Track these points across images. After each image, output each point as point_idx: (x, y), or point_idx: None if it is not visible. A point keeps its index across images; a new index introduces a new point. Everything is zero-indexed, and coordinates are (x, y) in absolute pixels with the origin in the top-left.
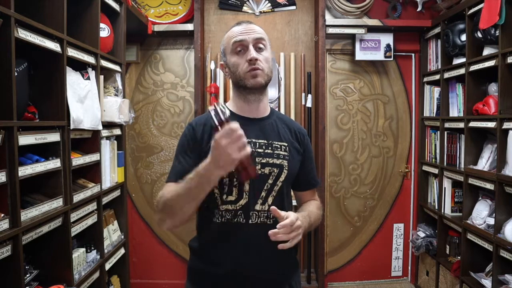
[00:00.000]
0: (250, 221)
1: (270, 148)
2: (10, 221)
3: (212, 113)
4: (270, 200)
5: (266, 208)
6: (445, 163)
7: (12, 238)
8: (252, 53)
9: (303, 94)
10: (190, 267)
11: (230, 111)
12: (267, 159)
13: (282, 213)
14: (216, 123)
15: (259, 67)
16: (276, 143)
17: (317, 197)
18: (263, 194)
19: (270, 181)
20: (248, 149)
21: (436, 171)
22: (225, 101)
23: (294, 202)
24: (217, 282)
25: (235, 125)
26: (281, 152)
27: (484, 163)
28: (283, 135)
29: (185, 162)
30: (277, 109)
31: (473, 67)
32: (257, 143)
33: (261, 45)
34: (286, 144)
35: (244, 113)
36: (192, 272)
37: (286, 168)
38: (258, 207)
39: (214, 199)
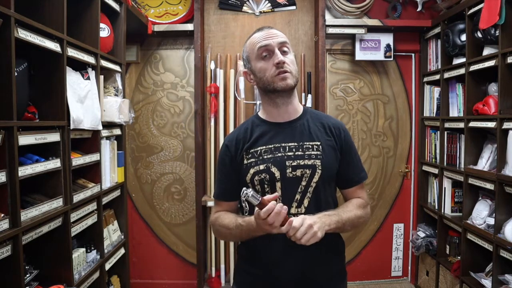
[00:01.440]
0: None
1: (301, 149)
2: (10, 221)
3: (250, 196)
4: (306, 202)
5: (303, 211)
6: (445, 163)
7: (12, 238)
8: (279, 56)
9: (303, 94)
10: (237, 269)
11: (261, 118)
12: (298, 161)
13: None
14: (256, 203)
15: (287, 70)
16: (307, 143)
17: (364, 194)
18: (298, 197)
19: (303, 183)
20: (285, 226)
21: (436, 171)
22: (225, 102)
23: None
24: (255, 282)
25: (273, 206)
26: (313, 152)
27: (484, 163)
28: (315, 133)
29: (228, 181)
30: None
31: (473, 67)
32: (287, 147)
33: (285, 49)
34: (318, 143)
35: (274, 118)
36: (240, 273)
37: (320, 168)
38: (293, 210)
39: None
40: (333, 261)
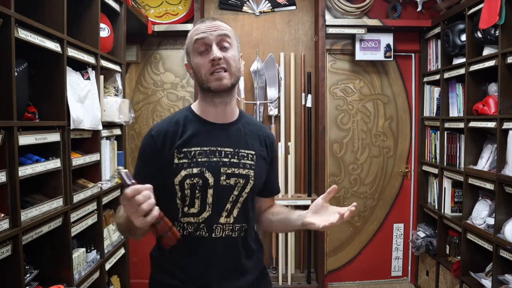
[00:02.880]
0: (213, 235)
1: (236, 157)
2: (10, 221)
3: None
4: (235, 212)
5: (232, 220)
6: (445, 163)
7: (12, 238)
8: (215, 52)
9: (303, 94)
10: (152, 279)
11: (196, 114)
12: (233, 169)
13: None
14: (129, 183)
15: (224, 67)
16: (243, 151)
17: (274, 201)
18: (228, 206)
19: (235, 193)
20: (152, 216)
21: (436, 171)
22: None
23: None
24: None
25: (137, 187)
26: (247, 162)
27: (484, 163)
28: (251, 142)
29: (145, 175)
30: (276, 110)
31: (473, 67)
32: (223, 152)
33: (225, 44)
34: (253, 153)
35: (209, 117)
36: (154, 286)
37: (252, 179)
38: (222, 220)
39: (175, 210)
40: (256, 267)
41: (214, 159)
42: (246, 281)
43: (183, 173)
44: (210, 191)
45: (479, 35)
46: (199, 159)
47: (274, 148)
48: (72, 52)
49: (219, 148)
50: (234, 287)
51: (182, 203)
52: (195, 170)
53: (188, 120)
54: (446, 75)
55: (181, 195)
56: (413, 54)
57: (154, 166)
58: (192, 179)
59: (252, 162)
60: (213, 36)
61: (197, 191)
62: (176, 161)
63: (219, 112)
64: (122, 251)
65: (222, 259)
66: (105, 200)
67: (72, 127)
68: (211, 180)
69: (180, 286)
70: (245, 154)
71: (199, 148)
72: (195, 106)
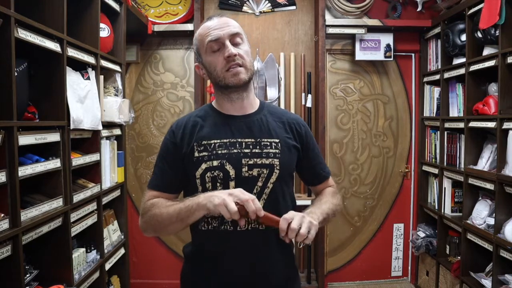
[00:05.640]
0: (238, 228)
1: (258, 147)
2: (10, 221)
3: None
4: (261, 203)
5: None
6: (445, 163)
7: (12, 238)
8: (230, 49)
9: (303, 94)
10: (183, 275)
11: (215, 109)
12: (255, 159)
13: (275, 217)
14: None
15: (239, 63)
16: (265, 140)
17: (331, 183)
18: None
19: (259, 184)
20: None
21: (436, 171)
22: None
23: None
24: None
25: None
26: (271, 151)
27: (484, 163)
28: (274, 130)
29: (172, 171)
30: None
31: (473, 67)
32: (243, 143)
33: (238, 39)
34: (277, 141)
35: (228, 111)
36: (185, 281)
37: (278, 168)
38: None
39: None
40: (285, 261)
41: (235, 150)
42: (276, 275)
43: (203, 166)
44: (232, 184)
45: (479, 35)
46: (219, 151)
47: (304, 131)
48: (72, 52)
49: (239, 140)
50: (263, 280)
51: None
52: (215, 163)
53: (207, 114)
54: (446, 75)
55: (202, 189)
56: (413, 54)
57: (176, 161)
58: (213, 172)
59: (277, 151)
60: (226, 35)
61: (218, 184)
62: (196, 154)
63: (236, 106)
64: (122, 251)
65: (249, 252)
66: (105, 200)
67: (72, 127)
68: (232, 172)
69: (210, 280)
70: (268, 143)
71: (219, 141)
72: (215, 103)
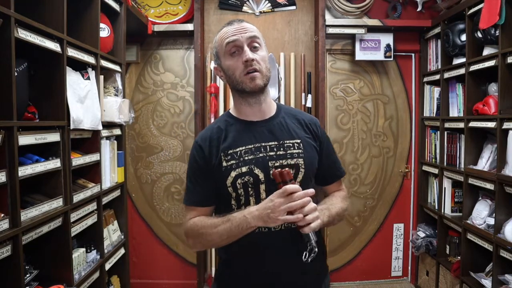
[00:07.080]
0: (272, 229)
1: (282, 148)
2: (10, 221)
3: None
4: None
5: None
6: (445, 163)
7: (12, 238)
8: (248, 53)
9: (303, 94)
10: (218, 279)
11: (235, 117)
12: (281, 161)
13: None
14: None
15: (256, 68)
16: (288, 142)
17: (343, 187)
18: None
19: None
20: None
21: (436, 171)
22: (225, 102)
23: None
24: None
25: (293, 187)
26: (294, 151)
27: (484, 163)
28: (294, 131)
29: (205, 184)
30: None
31: (473, 67)
32: (268, 146)
33: (256, 44)
34: (299, 141)
35: (248, 117)
36: (221, 285)
37: (303, 167)
38: None
39: (231, 210)
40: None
41: (260, 154)
42: (309, 274)
43: (233, 174)
44: (262, 187)
45: (479, 35)
46: (246, 158)
47: (320, 130)
48: (72, 52)
49: (263, 144)
50: (298, 279)
51: (238, 203)
52: (244, 169)
53: (228, 124)
54: (446, 75)
55: (235, 196)
56: (413, 54)
57: (210, 175)
58: (243, 178)
59: (300, 150)
60: (244, 38)
61: (249, 189)
62: (224, 164)
63: (255, 111)
64: (122, 251)
65: (284, 251)
66: (105, 200)
67: (72, 127)
68: (261, 176)
69: (247, 281)
70: (291, 144)
71: (244, 147)
72: (232, 110)
